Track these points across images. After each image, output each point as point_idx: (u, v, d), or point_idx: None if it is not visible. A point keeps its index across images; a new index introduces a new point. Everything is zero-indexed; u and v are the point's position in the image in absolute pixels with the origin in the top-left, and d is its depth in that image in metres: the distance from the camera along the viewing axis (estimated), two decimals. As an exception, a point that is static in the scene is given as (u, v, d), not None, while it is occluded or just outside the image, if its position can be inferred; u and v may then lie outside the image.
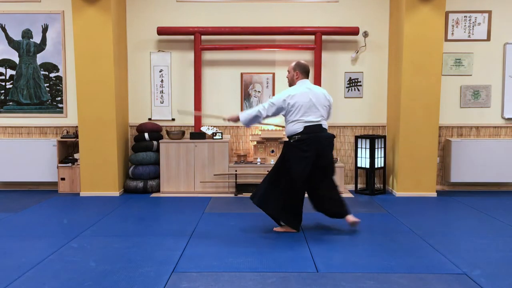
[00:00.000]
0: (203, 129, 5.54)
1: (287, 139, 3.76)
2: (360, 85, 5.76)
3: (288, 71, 3.85)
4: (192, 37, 5.60)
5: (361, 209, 4.70)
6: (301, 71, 3.77)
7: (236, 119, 3.84)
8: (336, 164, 5.19)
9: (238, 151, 5.81)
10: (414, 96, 5.22)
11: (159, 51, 5.77)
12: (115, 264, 3.03)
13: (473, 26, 5.59)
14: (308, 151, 3.59)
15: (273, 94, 5.74)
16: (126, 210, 4.66)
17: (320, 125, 3.66)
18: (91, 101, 5.23)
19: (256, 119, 3.75)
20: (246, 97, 5.80)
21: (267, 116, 3.72)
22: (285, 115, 3.73)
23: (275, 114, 3.73)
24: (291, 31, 5.54)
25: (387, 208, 4.70)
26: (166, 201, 5.10)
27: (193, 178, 5.45)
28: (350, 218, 3.76)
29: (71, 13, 5.24)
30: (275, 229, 3.86)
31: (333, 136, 3.79)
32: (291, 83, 3.83)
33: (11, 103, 5.76)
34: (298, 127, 3.61)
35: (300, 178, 3.62)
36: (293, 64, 3.81)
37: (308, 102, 3.62)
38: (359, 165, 5.56)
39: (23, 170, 5.60)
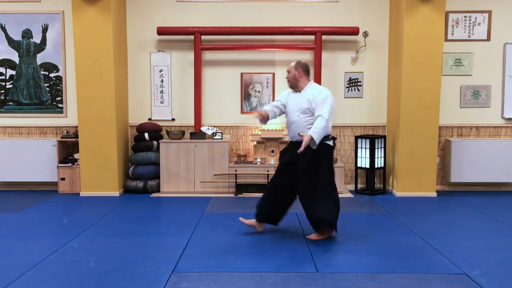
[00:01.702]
0: (203, 129, 5.54)
1: (326, 142, 3.56)
2: (360, 85, 5.76)
3: (288, 71, 3.67)
4: (192, 37, 5.60)
5: (361, 209, 4.70)
6: (304, 70, 3.64)
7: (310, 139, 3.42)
8: (336, 164, 5.21)
9: (238, 151, 5.81)
10: (414, 96, 5.22)
11: (159, 51, 5.77)
12: (115, 264, 3.03)
13: (473, 26, 5.59)
14: None
15: (273, 94, 5.75)
16: (126, 210, 4.66)
17: None
18: (91, 101, 5.24)
19: (325, 130, 3.47)
20: (246, 97, 5.80)
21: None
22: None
23: None
24: (291, 31, 5.54)
25: (387, 208, 4.70)
26: (166, 201, 5.10)
27: (193, 178, 5.45)
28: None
29: (71, 13, 5.25)
30: (308, 237, 3.64)
31: None
32: (294, 82, 3.65)
33: (11, 103, 5.76)
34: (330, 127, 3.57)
35: None
36: (294, 63, 3.66)
37: None
38: (359, 165, 5.56)
39: (23, 170, 5.60)
